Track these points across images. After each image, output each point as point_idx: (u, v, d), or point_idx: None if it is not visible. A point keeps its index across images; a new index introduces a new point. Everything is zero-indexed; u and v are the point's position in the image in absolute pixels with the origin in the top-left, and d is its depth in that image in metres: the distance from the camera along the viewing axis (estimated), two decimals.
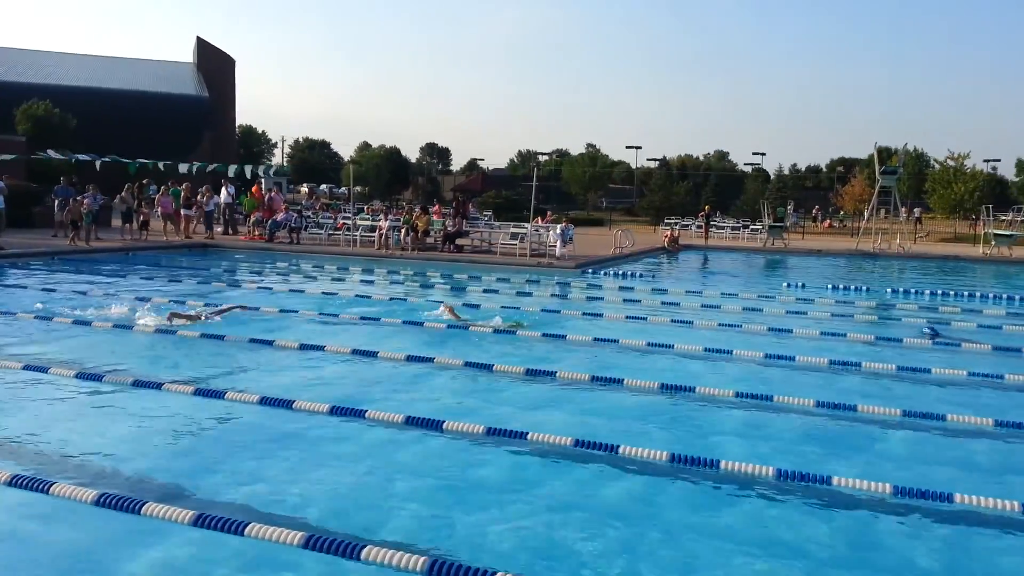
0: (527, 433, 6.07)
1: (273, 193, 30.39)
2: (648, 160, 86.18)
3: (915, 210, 51.88)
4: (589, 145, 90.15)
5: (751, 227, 37.65)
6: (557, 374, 8.23)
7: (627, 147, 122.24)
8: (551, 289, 16.72)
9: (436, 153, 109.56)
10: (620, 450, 5.78)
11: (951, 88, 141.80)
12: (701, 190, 69.02)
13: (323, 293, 14.38)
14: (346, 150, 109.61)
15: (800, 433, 6.68)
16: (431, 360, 8.71)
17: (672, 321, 12.00)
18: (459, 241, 23.44)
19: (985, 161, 62.21)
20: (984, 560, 4.47)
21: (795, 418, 7.01)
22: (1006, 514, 4.87)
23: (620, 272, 20.02)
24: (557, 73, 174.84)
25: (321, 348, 9.19)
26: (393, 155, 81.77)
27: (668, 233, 31.02)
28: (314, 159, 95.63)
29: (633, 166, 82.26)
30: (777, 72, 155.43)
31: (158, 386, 7.29)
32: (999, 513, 4.88)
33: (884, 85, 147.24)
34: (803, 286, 17.89)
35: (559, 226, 23.41)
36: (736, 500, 5.17)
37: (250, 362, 8.74)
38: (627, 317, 12.24)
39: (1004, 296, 16.41)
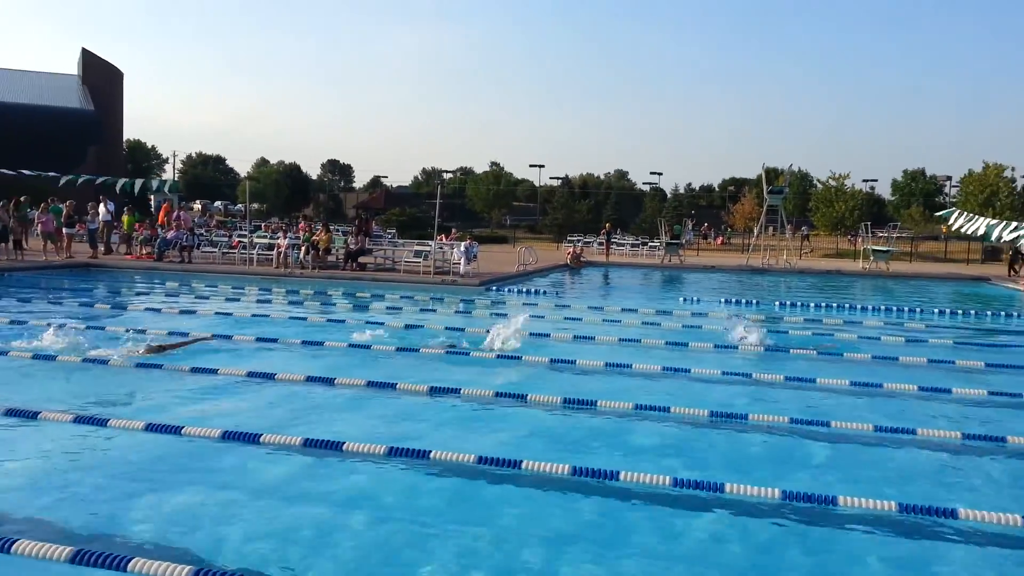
0: (430, 452, 6.01)
1: (181, 211, 29.60)
2: (551, 178, 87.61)
3: (803, 228, 54.81)
4: (493, 163, 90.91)
5: (649, 244, 38.82)
6: (461, 391, 8.19)
7: (530, 165, 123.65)
8: (455, 307, 16.68)
9: (338, 170, 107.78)
10: (523, 465, 5.80)
11: (833, 112, 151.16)
12: (602, 208, 70.69)
13: (216, 313, 13.85)
14: (243, 166, 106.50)
15: (696, 442, 6.89)
16: (331, 381, 8.50)
17: (575, 336, 12.18)
18: (361, 259, 23.11)
19: (864, 181, 66.63)
20: (858, 558, 4.70)
21: (691, 428, 7.22)
22: (883, 514, 5.15)
23: (524, 289, 20.20)
24: (461, 92, 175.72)
25: (214, 371, 8.83)
26: (293, 171, 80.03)
27: (571, 250, 31.58)
28: (208, 175, 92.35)
29: (536, 184, 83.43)
30: (673, 94, 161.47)
31: (34, 415, 6.81)
32: (876, 513, 5.16)
33: (771, 109, 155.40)
34: (698, 300, 18.54)
35: (463, 243, 23.46)
36: (639, 512, 5.26)
37: (138, 387, 8.30)
38: (530, 334, 12.33)
39: (882, 308, 17.50)
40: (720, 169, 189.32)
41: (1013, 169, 50.30)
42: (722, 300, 18.80)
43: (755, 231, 37.49)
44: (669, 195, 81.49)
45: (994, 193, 47.25)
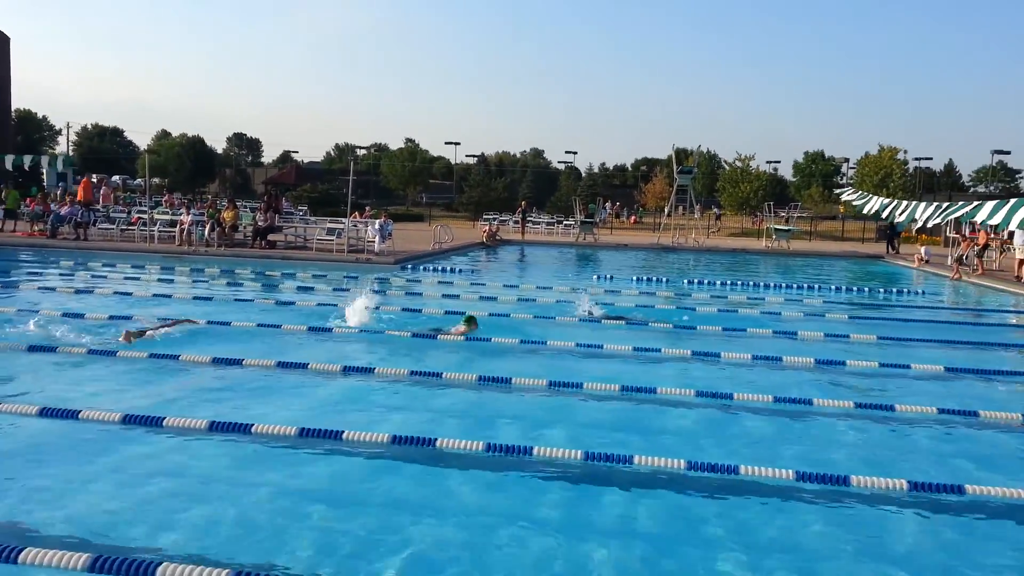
0: (342, 432, 5.93)
1: (104, 187, 28.22)
2: (467, 156, 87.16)
3: (713, 209, 56.50)
4: (408, 140, 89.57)
5: (564, 223, 39.23)
6: (375, 370, 8.11)
7: (446, 143, 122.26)
8: (369, 285, 16.43)
9: (245, 144, 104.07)
10: (438, 443, 5.80)
11: (738, 95, 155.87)
12: (518, 187, 70.95)
13: (115, 293, 13.22)
14: (143, 138, 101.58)
15: (606, 417, 7.04)
16: (239, 363, 8.26)
17: (489, 315, 12.20)
18: (271, 237, 22.47)
19: (768, 163, 68.91)
20: (757, 525, 4.93)
21: (602, 403, 7.37)
22: (781, 482, 5.41)
23: (439, 267, 20.11)
24: (375, 67, 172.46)
25: (112, 354, 8.44)
26: (196, 144, 76.68)
27: (487, 228, 31.60)
28: (105, 148, 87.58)
29: (452, 162, 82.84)
30: (587, 74, 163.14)
31: None
32: (774, 481, 5.41)
33: (681, 91, 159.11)
34: (611, 278, 18.90)
35: (378, 221, 23.14)
36: (547, 484, 5.35)
37: (30, 369, 7.85)
38: (446, 312, 12.30)
39: (783, 285, 18.28)
40: (633, 149, 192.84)
41: (906, 152, 53.24)
42: (634, 278, 19.22)
43: (665, 210, 38.42)
44: (584, 174, 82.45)
45: (888, 175, 49.84)
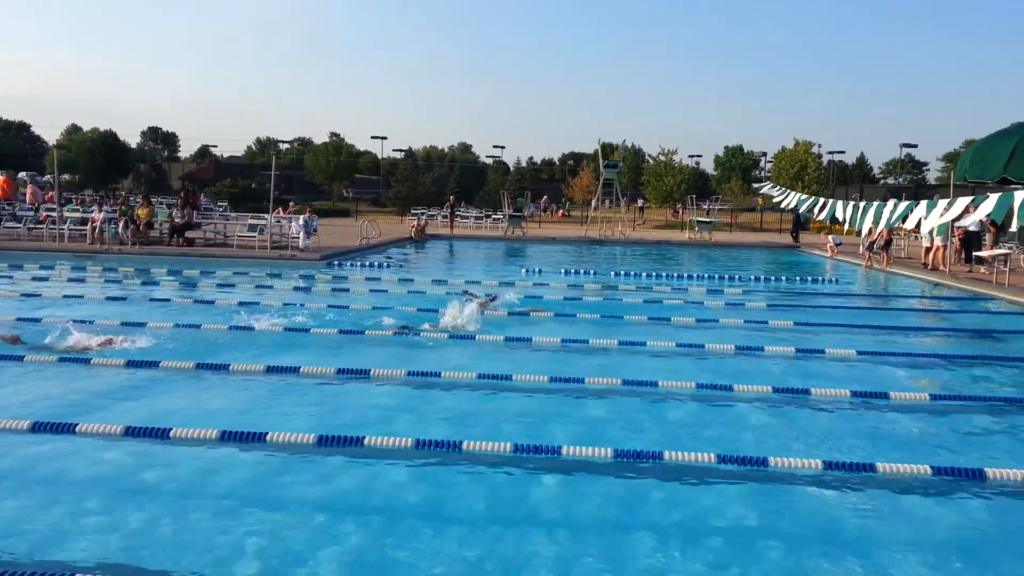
0: (266, 434, 5.80)
1: (31, 186, 26.84)
2: (394, 151, 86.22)
3: (639, 201, 57.54)
4: (333, 134, 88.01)
5: (493, 217, 39.27)
6: (300, 370, 7.94)
7: (372, 137, 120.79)
8: (294, 282, 16.11)
9: (160, 138, 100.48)
10: (365, 441, 5.73)
11: (661, 91, 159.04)
12: (446, 181, 70.65)
13: (22, 295, 12.58)
14: (51, 133, 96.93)
15: (536, 408, 7.09)
16: (156, 364, 7.97)
17: (418, 310, 12.12)
18: (189, 234, 21.75)
19: (690, 156, 70.56)
20: (682, 507, 5.05)
21: (531, 395, 7.42)
22: (705, 465, 5.56)
23: (367, 263, 19.86)
24: (297, 59, 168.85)
25: (20, 359, 8.03)
26: (109, 139, 73.57)
27: (415, 223, 31.36)
28: (10, 143, 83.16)
29: (379, 156, 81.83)
30: (513, 68, 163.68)
31: None
32: (700, 465, 5.56)
33: (606, 86, 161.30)
34: (540, 271, 19.02)
35: (302, 217, 22.67)
36: (479, 479, 5.35)
37: None
38: (373, 308, 12.16)
39: (705, 275, 18.76)
40: (560, 143, 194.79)
41: (820, 146, 55.28)
42: (562, 270, 19.39)
43: (592, 204, 38.88)
44: (512, 168, 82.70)
45: (803, 168, 51.65)
